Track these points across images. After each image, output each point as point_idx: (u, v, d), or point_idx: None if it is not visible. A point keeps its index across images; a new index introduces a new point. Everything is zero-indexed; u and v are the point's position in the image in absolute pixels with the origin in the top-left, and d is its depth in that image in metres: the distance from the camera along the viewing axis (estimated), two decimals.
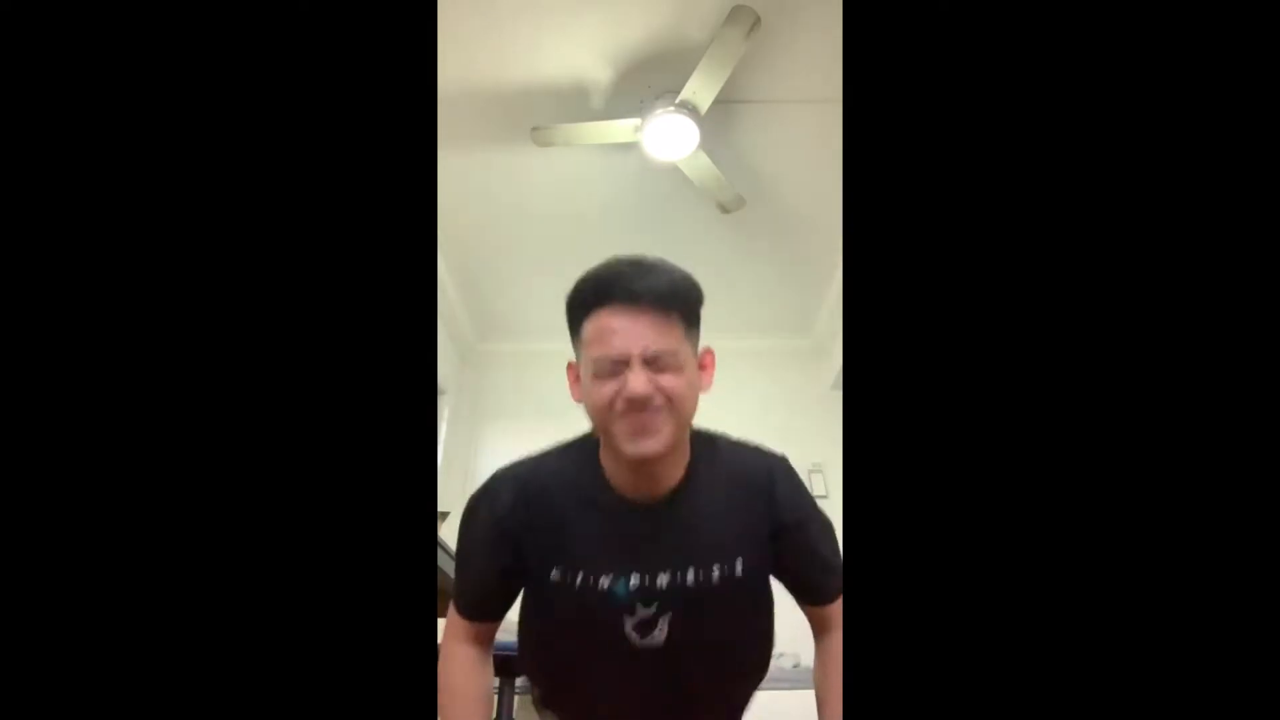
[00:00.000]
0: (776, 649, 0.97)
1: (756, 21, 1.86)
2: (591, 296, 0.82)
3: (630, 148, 2.32)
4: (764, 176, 2.55)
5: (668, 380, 0.79)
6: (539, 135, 2.21)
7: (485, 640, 0.92)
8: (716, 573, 0.85)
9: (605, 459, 0.88)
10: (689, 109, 2.10)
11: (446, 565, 1.52)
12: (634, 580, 0.84)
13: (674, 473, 0.87)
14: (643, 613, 0.84)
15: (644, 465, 0.83)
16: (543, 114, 2.25)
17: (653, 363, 0.78)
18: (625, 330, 0.79)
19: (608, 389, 0.79)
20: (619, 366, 0.78)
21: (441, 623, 0.90)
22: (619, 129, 2.19)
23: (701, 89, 2.04)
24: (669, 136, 2.17)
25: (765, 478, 0.91)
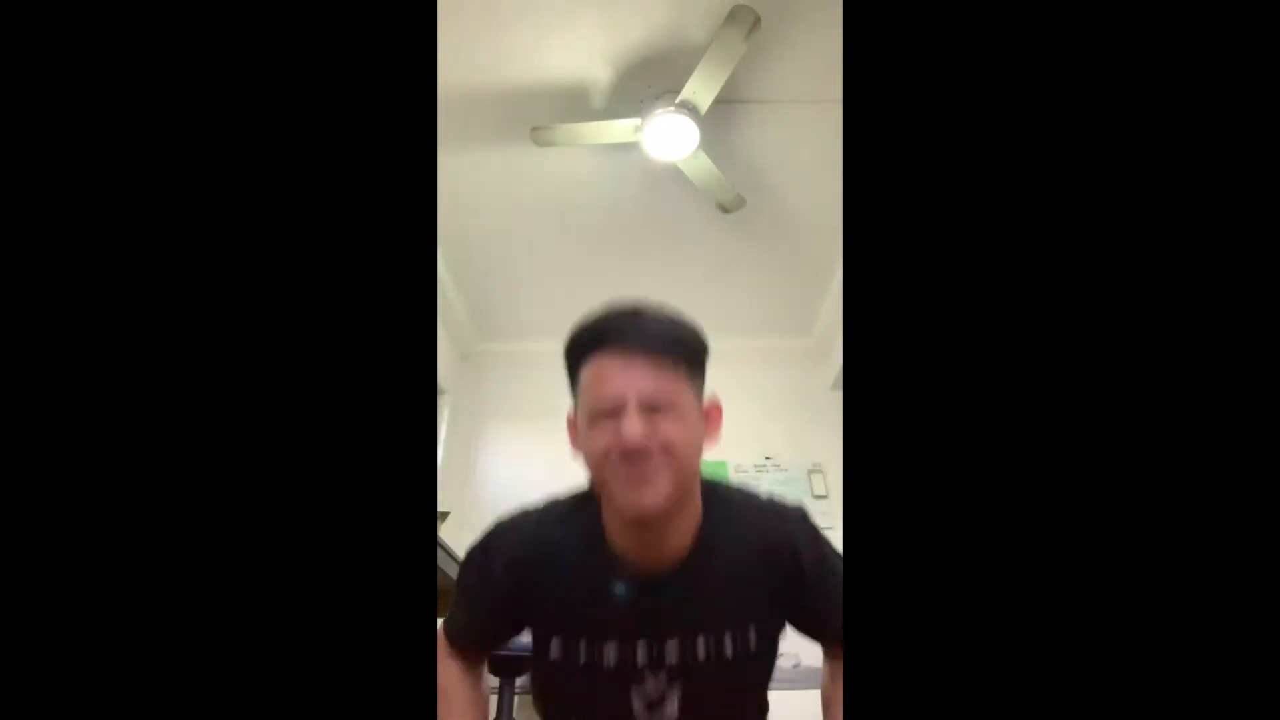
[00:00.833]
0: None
1: (756, 21, 1.86)
2: (588, 341, 0.77)
3: (630, 148, 2.32)
4: (764, 176, 2.54)
5: (667, 428, 0.72)
6: (539, 135, 2.21)
7: (476, 657, 0.91)
8: (729, 645, 0.80)
9: (608, 521, 0.81)
10: (689, 109, 2.10)
11: (446, 565, 1.53)
12: (641, 653, 0.79)
13: (682, 538, 0.79)
14: (651, 684, 0.80)
15: (646, 525, 0.76)
16: (543, 114, 2.25)
17: (650, 408, 0.72)
18: (621, 374, 0.73)
19: (603, 437, 0.73)
20: (615, 412, 0.73)
21: (441, 623, 0.90)
22: (619, 129, 2.19)
23: (701, 89, 2.04)
24: (669, 136, 2.17)
25: (787, 549, 0.83)
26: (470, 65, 2.13)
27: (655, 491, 0.72)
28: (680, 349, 0.77)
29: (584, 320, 0.79)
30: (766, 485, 3.07)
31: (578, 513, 0.84)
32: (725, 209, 2.51)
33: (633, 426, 0.71)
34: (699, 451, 0.77)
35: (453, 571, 1.57)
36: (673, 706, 0.81)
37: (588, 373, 0.77)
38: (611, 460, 0.73)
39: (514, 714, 1.61)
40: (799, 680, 2.28)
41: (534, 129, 2.20)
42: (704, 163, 2.29)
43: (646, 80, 2.16)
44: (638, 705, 0.81)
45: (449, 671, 0.87)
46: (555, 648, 0.82)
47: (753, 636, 0.82)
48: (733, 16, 1.85)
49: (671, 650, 0.80)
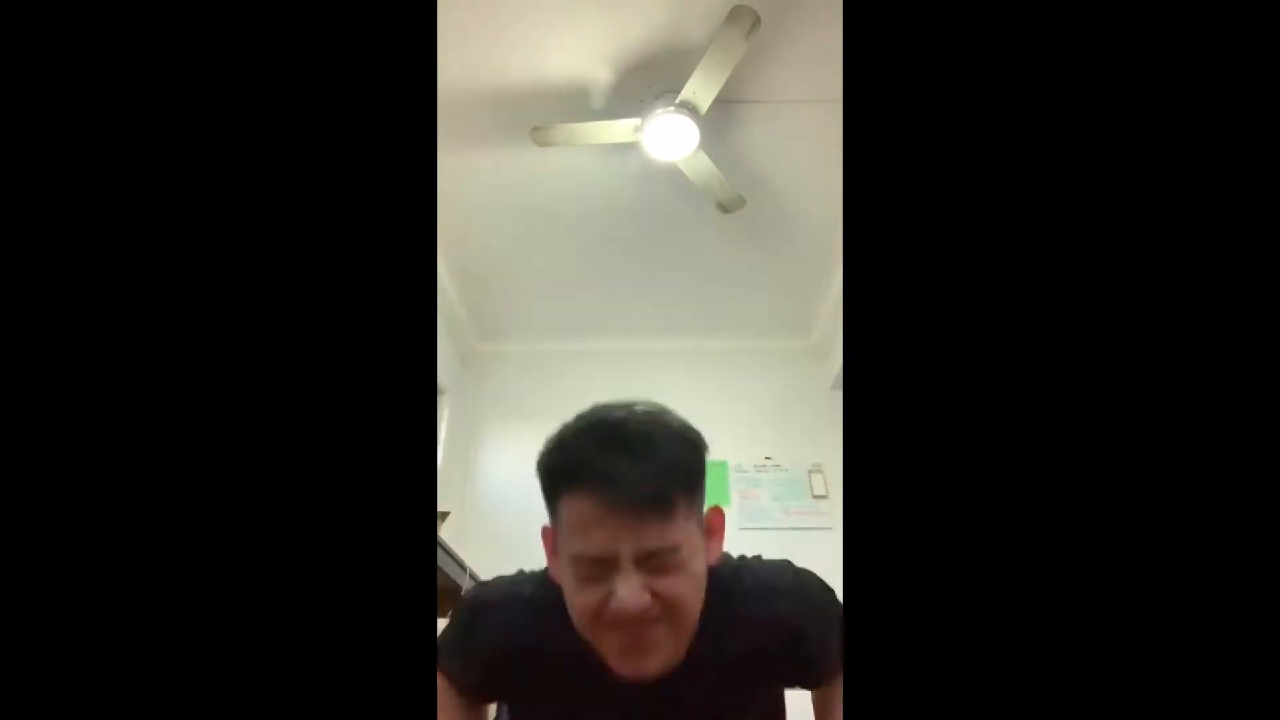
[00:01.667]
0: None
1: (756, 21, 1.86)
2: (564, 476, 0.64)
3: (630, 148, 2.32)
4: (764, 176, 2.55)
5: (666, 584, 0.62)
6: (539, 135, 2.21)
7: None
8: None
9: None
10: (689, 109, 2.10)
11: (446, 565, 1.53)
12: None
13: (676, 650, 0.68)
14: None
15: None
16: (543, 114, 2.25)
17: (646, 563, 0.62)
18: (611, 524, 0.61)
19: (592, 595, 0.63)
20: (605, 569, 0.62)
21: (442, 623, 0.90)
22: (619, 129, 2.19)
23: (701, 89, 2.04)
24: (669, 136, 2.17)
25: (789, 640, 0.74)
26: (470, 65, 2.13)
27: (657, 659, 0.65)
28: (677, 481, 0.64)
29: (563, 439, 0.66)
30: (766, 485, 3.07)
31: (559, 609, 0.70)
32: (725, 209, 2.51)
33: (629, 594, 0.61)
34: (703, 585, 0.67)
35: (453, 571, 1.57)
36: None
37: (569, 509, 0.64)
38: (605, 622, 0.63)
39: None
40: None
41: (534, 129, 2.20)
42: (704, 163, 2.29)
43: (646, 80, 2.16)
44: None
45: (447, 695, 0.84)
46: None
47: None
48: (733, 16, 1.85)
49: None
